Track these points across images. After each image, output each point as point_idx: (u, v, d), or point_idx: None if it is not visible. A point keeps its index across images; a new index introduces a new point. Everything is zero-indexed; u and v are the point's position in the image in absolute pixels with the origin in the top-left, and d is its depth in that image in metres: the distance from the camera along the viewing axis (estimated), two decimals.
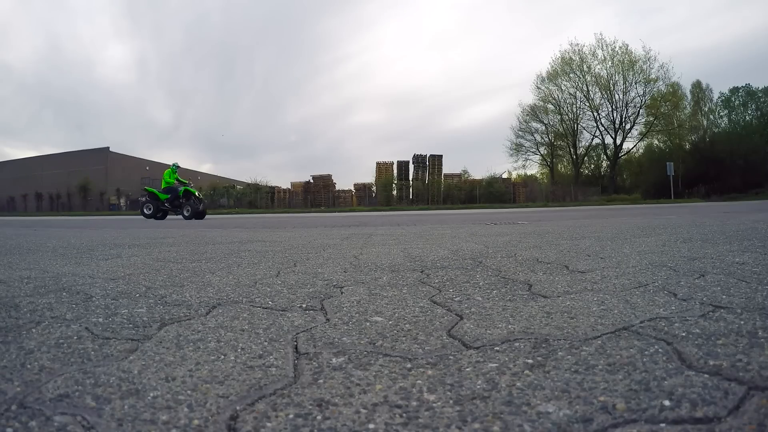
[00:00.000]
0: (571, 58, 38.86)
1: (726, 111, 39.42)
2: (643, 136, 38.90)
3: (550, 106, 40.54)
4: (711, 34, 63.14)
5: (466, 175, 34.22)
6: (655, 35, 60.06)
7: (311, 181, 32.55)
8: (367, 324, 1.04)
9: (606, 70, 38.11)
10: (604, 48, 37.85)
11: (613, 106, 38.45)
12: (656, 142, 39.71)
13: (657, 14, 60.93)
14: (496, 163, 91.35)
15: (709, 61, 55.76)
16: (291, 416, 0.59)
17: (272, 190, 31.98)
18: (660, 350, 0.78)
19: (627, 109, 38.21)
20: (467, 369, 0.74)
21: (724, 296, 1.18)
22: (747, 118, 38.45)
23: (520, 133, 41.52)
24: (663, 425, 0.54)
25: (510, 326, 0.98)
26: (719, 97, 39.75)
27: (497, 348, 0.84)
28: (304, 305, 1.25)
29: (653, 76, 36.55)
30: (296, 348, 0.87)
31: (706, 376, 0.67)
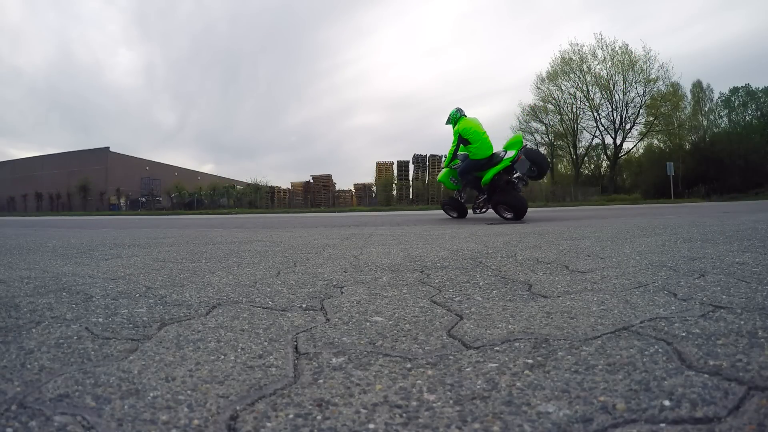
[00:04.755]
0: (570, 58, 38.89)
1: (726, 111, 39.44)
2: (643, 136, 38.91)
3: (550, 106, 40.56)
4: (711, 34, 63.25)
5: None
6: (655, 35, 60.10)
7: (311, 181, 32.53)
8: (367, 324, 1.04)
9: (606, 70, 38.14)
10: (604, 48, 37.89)
11: (613, 106, 38.47)
12: (656, 142, 39.73)
13: (658, 13, 60.97)
14: None
15: (710, 61, 55.92)
16: (291, 416, 0.59)
17: (272, 190, 31.95)
18: (660, 350, 0.78)
19: (627, 109, 38.24)
20: (467, 369, 0.74)
21: (724, 296, 1.18)
22: (747, 118, 38.46)
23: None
24: (663, 425, 0.54)
25: (510, 326, 0.98)
26: (719, 97, 39.79)
27: (497, 348, 0.84)
28: (304, 305, 1.25)
29: (653, 76, 36.58)
30: (296, 348, 0.87)
31: (706, 376, 0.67)
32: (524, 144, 6.37)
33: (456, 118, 6.80)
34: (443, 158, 7.40)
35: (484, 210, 7.17)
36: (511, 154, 6.18)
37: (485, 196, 6.75)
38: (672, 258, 1.97)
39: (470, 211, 7.43)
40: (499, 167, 6.21)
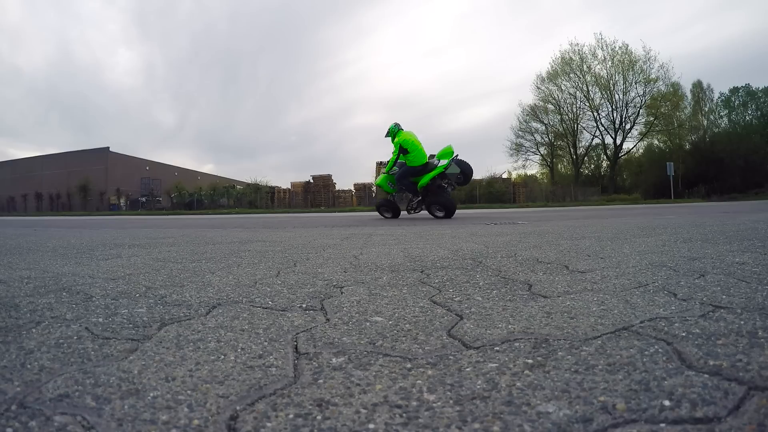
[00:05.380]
0: (571, 58, 38.94)
1: (726, 111, 39.47)
2: (643, 136, 38.96)
3: (550, 106, 40.61)
4: (711, 34, 63.27)
5: None
6: (655, 35, 60.10)
7: (311, 181, 32.50)
8: (367, 324, 1.04)
9: (606, 70, 38.19)
10: (604, 48, 37.95)
11: (613, 106, 38.53)
12: (656, 142, 39.78)
13: (658, 13, 60.94)
14: (495, 163, 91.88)
15: (710, 61, 55.92)
16: (291, 416, 0.59)
17: (272, 190, 31.93)
18: (660, 350, 0.78)
19: (627, 109, 38.28)
20: (467, 369, 0.74)
21: (724, 296, 1.18)
22: (747, 118, 38.49)
23: (520, 133, 41.64)
24: (663, 425, 0.54)
25: (510, 326, 0.98)
26: (719, 97, 39.82)
27: (497, 348, 0.84)
28: (304, 305, 1.25)
29: (653, 76, 36.64)
30: (296, 348, 0.87)
31: (706, 376, 0.67)
32: (455, 153, 7.41)
33: (395, 131, 7.86)
34: (383, 165, 8.31)
35: (418, 210, 8.12)
36: (443, 162, 7.29)
37: (419, 198, 7.75)
38: (672, 258, 1.97)
39: (404, 211, 8.33)
40: (433, 173, 7.27)
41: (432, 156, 7.61)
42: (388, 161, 7.96)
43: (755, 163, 34.37)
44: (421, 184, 7.43)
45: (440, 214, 7.46)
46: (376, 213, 8.64)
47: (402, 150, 7.53)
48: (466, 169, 7.43)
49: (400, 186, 7.82)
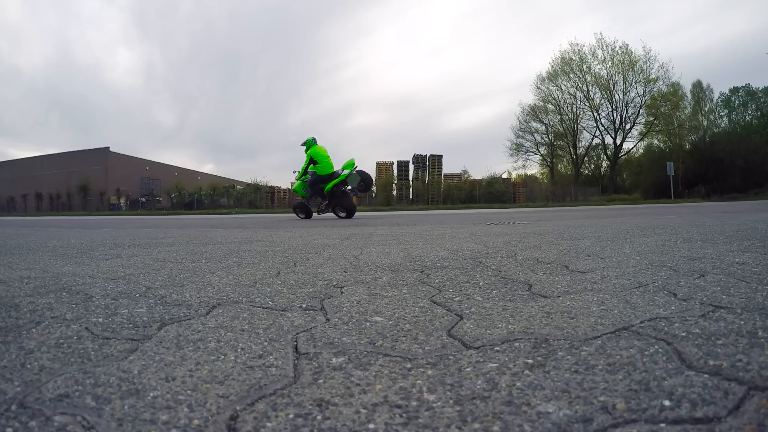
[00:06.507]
0: (571, 58, 38.97)
1: (726, 111, 39.47)
2: (643, 136, 38.98)
3: (550, 106, 40.64)
4: (711, 34, 63.27)
5: (466, 175, 34.15)
6: (655, 35, 60.08)
7: None
8: (367, 324, 1.04)
9: (606, 70, 38.21)
10: (604, 48, 37.97)
11: (613, 106, 38.55)
12: (656, 142, 39.80)
13: (658, 13, 60.88)
14: (495, 163, 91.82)
15: (710, 61, 55.87)
16: (291, 416, 0.59)
17: (272, 190, 31.92)
18: (660, 350, 0.78)
19: (627, 109, 38.32)
20: (467, 369, 0.74)
21: (724, 296, 1.18)
22: (747, 118, 38.50)
23: (520, 133, 41.67)
24: (663, 425, 0.54)
25: (510, 326, 0.98)
26: (719, 97, 39.82)
27: (497, 348, 0.84)
28: (304, 305, 1.25)
29: (653, 76, 36.67)
30: (296, 348, 0.87)
31: (706, 376, 0.67)
32: (356, 165, 9.10)
33: (310, 143, 9.47)
34: (296, 172, 9.96)
35: (326, 211, 9.61)
36: (346, 172, 8.87)
37: (327, 201, 9.27)
38: (672, 258, 1.97)
39: (315, 213, 9.83)
40: (337, 180, 8.87)
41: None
42: (300, 169, 9.61)
43: (755, 163, 34.36)
44: (327, 190, 8.98)
45: (342, 214, 9.07)
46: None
47: (312, 161, 9.15)
48: (365, 178, 9.16)
49: (312, 191, 9.33)
